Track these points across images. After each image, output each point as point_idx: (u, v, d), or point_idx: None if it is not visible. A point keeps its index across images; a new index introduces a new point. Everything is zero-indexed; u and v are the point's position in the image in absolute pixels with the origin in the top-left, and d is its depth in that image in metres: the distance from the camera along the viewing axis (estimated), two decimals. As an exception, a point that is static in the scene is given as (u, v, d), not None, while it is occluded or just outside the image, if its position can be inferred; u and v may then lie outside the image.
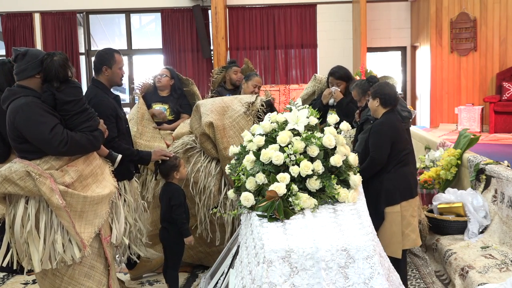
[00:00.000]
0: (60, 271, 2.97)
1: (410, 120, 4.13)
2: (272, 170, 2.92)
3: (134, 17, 11.33)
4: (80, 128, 2.99)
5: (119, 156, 3.37)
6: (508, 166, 4.57)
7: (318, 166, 2.91)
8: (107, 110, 3.46)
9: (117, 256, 3.73)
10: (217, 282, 3.39)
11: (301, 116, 3.10)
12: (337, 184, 2.93)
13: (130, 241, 3.71)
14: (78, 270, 2.99)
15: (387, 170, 3.50)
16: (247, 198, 2.86)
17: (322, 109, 4.58)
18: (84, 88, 4.33)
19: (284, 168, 2.93)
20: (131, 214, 3.69)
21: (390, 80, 4.92)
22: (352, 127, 4.19)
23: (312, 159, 2.94)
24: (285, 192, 2.78)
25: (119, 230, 3.26)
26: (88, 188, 3.00)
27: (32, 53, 2.95)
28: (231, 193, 3.22)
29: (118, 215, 3.29)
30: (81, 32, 10.66)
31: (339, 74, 4.56)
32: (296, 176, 2.87)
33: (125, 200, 3.67)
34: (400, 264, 3.40)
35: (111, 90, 3.71)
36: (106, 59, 3.54)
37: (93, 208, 2.99)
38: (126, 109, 5.35)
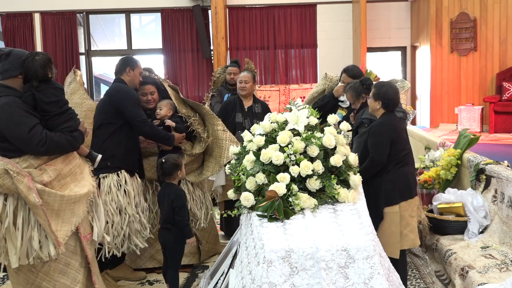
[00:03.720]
0: (36, 267, 3.02)
1: (406, 121, 4.14)
2: (272, 170, 2.92)
3: (134, 17, 11.32)
4: (60, 128, 3.03)
5: (99, 156, 3.45)
6: (508, 166, 4.57)
7: (318, 166, 2.91)
8: (136, 95, 3.99)
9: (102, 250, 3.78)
10: (217, 282, 3.40)
11: (301, 116, 3.10)
12: (337, 184, 2.93)
13: (130, 232, 3.81)
14: (53, 267, 3.05)
15: (387, 170, 3.50)
16: (247, 198, 2.86)
17: (331, 103, 4.60)
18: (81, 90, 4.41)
19: (284, 168, 2.94)
20: (130, 206, 3.78)
21: (402, 83, 4.94)
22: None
23: (312, 159, 2.95)
24: (285, 192, 2.79)
25: (100, 227, 3.30)
26: (66, 187, 3.04)
27: (15, 53, 2.98)
28: (231, 193, 3.22)
29: (98, 213, 3.32)
30: (81, 32, 10.65)
31: (352, 73, 4.59)
32: (296, 176, 2.88)
33: (125, 191, 3.78)
34: (399, 264, 3.40)
35: None
36: (130, 62, 4.02)
37: (70, 207, 3.03)
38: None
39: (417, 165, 5.39)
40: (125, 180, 3.84)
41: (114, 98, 3.88)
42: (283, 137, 3.00)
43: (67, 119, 3.07)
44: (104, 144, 3.82)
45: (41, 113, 2.98)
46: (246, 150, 3.19)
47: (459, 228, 4.44)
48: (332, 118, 3.25)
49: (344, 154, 3.07)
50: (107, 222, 3.64)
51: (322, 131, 3.10)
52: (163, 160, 3.74)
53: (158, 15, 10.50)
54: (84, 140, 3.28)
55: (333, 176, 2.94)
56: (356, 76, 4.57)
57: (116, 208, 3.75)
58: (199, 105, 4.40)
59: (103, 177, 3.79)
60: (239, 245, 3.10)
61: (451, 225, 4.47)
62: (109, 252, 3.65)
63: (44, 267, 3.02)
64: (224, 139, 4.30)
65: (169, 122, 4.22)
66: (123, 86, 3.94)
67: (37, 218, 2.91)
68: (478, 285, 3.40)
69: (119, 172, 3.84)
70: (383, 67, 10.66)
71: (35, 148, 2.90)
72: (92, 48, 10.81)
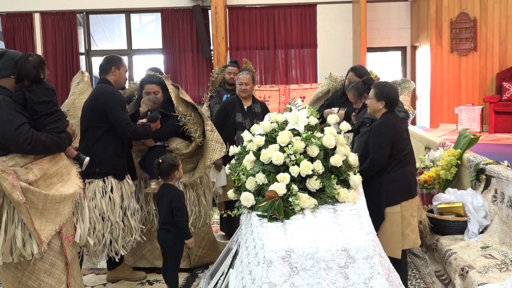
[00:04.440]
0: (22, 265, 3.03)
1: (407, 120, 4.13)
2: (272, 170, 2.92)
3: (134, 17, 11.32)
4: (48, 128, 3.04)
5: (87, 159, 3.44)
6: (508, 166, 4.57)
7: (318, 166, 2.91)
8: (122, 98, 3.92)
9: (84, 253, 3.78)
10: (217, 282, 3.40)
11: (301, 116, 3.10)
12: (337, 184, 2.93)
13: (112, 238, 3.79)
14: (38, 266, 3.05)
15: (388, 170, 3.49)
16: (247, 198, 2.86)
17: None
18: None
19: (284, 168, 2.94)
20: (114, 213, 3.77)
21: (408, 83, 4.93)
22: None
23: (312, 159, 2.95)
24: (285, 192, 2.79)
25: (83, 230, 3.31)
26: (52, 187, 3.04)
27: (9, 54, 3.03)
28: (231, 193, 3.22)
29: (83, 215, 3.33)
30: (81, 32, 10.66)
31: (359, 72, 4.55)
32: (296, 176, 2.88)
33: (110, 198, 3.77)
34: (400, 264, 3.40)
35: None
36: (116, 61, 3.94)
37: (55, 206, 3.04)
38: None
39: (417, 165, 5.39)
40: (111, 187, 3.80)
41: (99, 101, 3.79)
42: (283, 137, 3.00)
43: (55, 120, 3.09)
44: (92, 149, 3.75)
45: (30, 113, 3.01)
46: (246, 150, 3.19)
47: (459, 228, 4.44)
48: (332, 118, 3.25)
49: (344, 154, 3.07)
50: (92, 227, 3.64)
51: (322, 131, 3.10)
52: (160, 161, 3.73)
53: (158, 15, 10.50)
54: (72, 142, 3.28)
55: (333, 176, 2.94)
56: (363, 76, 4.56)
57: (99, 215, 3.72)
58: (194, 104, 4.36)
59: (89, 182, 3.75)
60: (239, 245, 3.10)
61: (451, 225, 4.47)
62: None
63: (29, 266, 3.04)
64: (210, 139, 4.24)
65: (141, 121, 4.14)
66: (107, 88, 3.85)
67: (21, 216, 2.93)
68: (478, 285, 3.40)
69: (105, 178, 3.80)
70: (383, 67, 10.66)
71: (20, 147, 2.92)
72: (92, 48, 10.81)
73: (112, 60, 3.92)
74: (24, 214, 2.91)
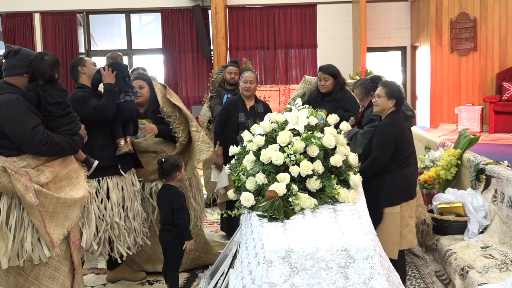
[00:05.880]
0: (25, 270, 2.98)
1: (412, 119, 4.15)
2: (272, 170, 2.92)
3: (134, 17, 11.32)
4: (61, 130, 3.01)
5: (96, 162, 3.41)
6: (508, 166, 4.57)
7: (318, 166, 2.91)
8: (82, 93, 3.64)
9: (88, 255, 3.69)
10: (217, 282, 3.39)
11: (301, 116, 3.10)
12: (337, 184, 2.93)
13: (115, 238, 3.70)
14: (42, 271, 3.01)
15: (389, 170, 3.49)
16: (247, 198, 2.86)
17: None
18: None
19: (284, 168, 2.94)
20: (108, 213, 3.64)
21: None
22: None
23: (312, 159, 2.95)
24: (285, 192, 2.79)
25: (89, 235, 3.28)
26: (62, 190, 3.01)
27: (24, 52, 2.99)
28: (231, 193, 3.22)
29: (89, 220, 3.31)
30: (81, 32, 10.66)
31: (328, 71, 4.68)
32: (296, 176, 2.88)
33: (108, 198, 3.65)
34: (397, 264, 3.39)
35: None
36: (78, 61, 3.75)
37: (65, 210, 3.00)
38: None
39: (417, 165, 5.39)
40: (108, 187, 3.68)
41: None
42: (283, 137, 3.00)
43: (68, 121, 3.06)
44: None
45: (43, 113, 2.96)
46: (246, 150, 3.19)
47: (459, 228, 4.44)
48: (332, 118, 3.25)
49: (344, 154, 3.07)
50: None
51: (322, 131, 3.10)
52: (163, 160, 3.73)
53: (158, 15, 10.50)
54: (83, 145, 3.25)
55: (333, 176, 2.94)
56: (332, 73, 4.64)
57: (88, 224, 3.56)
58: (179, 106, 4.30)
59: None
60: (239, 245, 3.10)
61: (451, 225, 4.47)
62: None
63: (33, 271, 2.98)
64: (196, 140, 4.15)
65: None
66: (72, 95, 3.62)
67: (32, 218, 2.87)
68: (478, 285, 3.40)
69: (100, 178, 3.65)
70: (383, 67, 10.66)
71: (35, 148, 2.88)
72: (92, 48, 10.82)
73: (74, 64, 3.73)
74: (36, 216, 2.86)
